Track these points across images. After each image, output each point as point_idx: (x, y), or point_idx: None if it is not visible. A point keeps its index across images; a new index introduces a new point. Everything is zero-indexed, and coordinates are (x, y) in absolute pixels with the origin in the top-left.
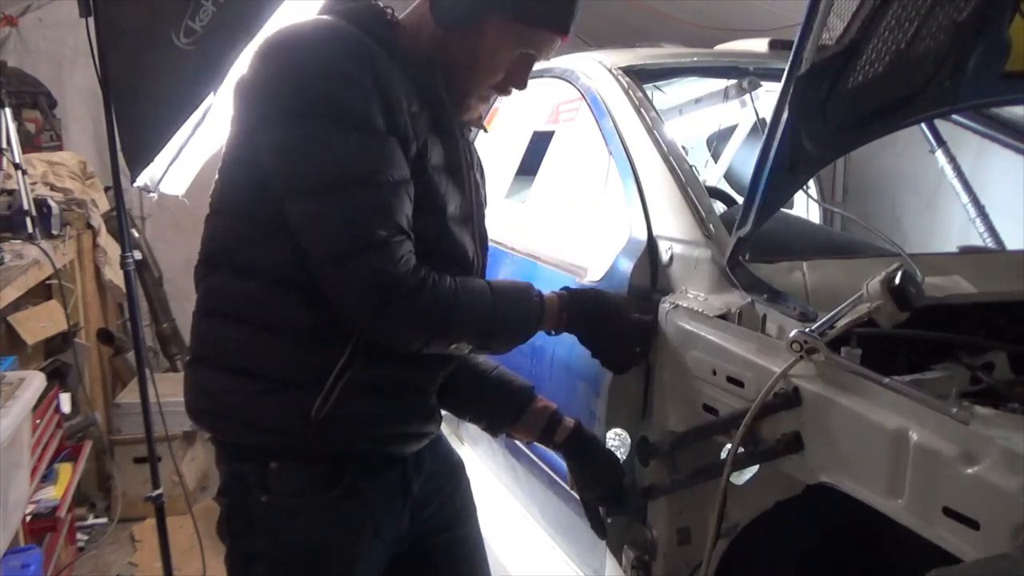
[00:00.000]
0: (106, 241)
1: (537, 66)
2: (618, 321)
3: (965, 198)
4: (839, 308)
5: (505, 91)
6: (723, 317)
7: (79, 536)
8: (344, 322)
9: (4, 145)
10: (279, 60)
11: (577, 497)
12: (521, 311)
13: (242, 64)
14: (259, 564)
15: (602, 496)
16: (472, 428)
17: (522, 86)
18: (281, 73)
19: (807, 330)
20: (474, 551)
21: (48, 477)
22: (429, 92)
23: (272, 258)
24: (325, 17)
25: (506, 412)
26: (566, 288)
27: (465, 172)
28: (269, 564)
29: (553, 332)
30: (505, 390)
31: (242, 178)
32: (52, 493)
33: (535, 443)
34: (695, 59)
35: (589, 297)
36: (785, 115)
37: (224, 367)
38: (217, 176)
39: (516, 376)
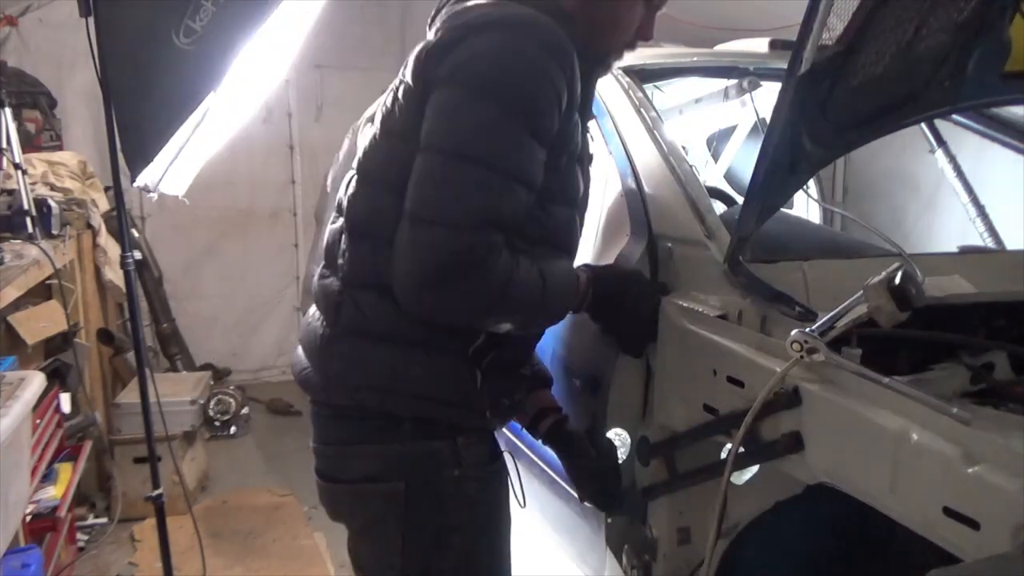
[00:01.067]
0: (106, 241)
1: None
2: (639, 303)
3: (965, 198)
4: (839, 308)
5: (633, 46)
6: (723, 317)
7: (79, 536)
8: None
9: (4, 145)
10: (491, 37)
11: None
12: (567, 291)
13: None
14: (455, 536)
15: (595, 496)
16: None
17: (649, 36)
18: (485, 44)
19: (807, 330)
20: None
21: (48, 477)
22: (585, 79)
23: None
24: (519, 7)
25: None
26: (587, 266)
27: (587, 156)
28: (466, 534)
29: (575, 311)
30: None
31: (398, 150)
32: (52, 493)
33: (534, 440)
34: (695, 59)
35: (611, 278)
36: (785, 115)
37: (393, 339)
38: (371, 141)
39: (536, 362)
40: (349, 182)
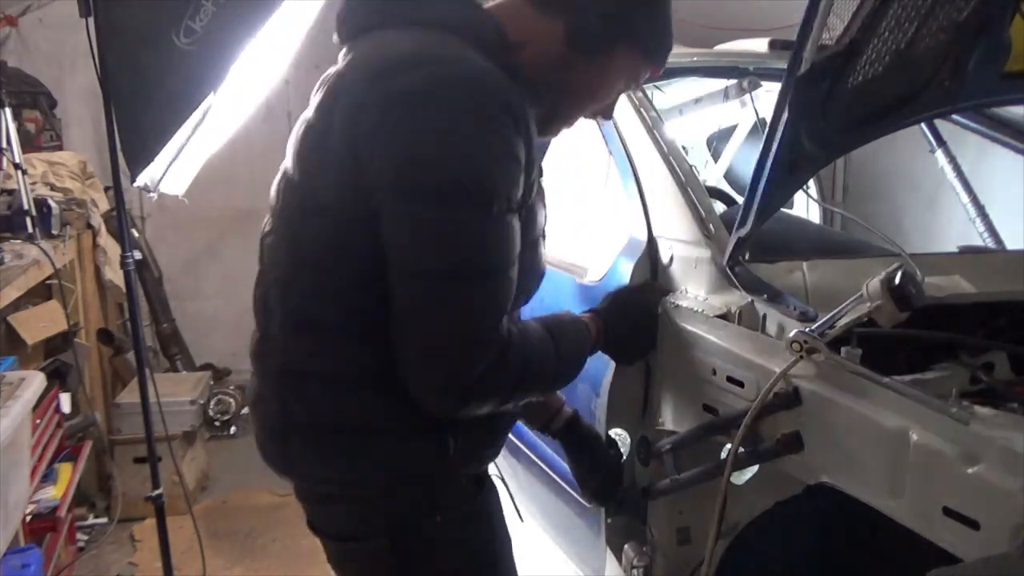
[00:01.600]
0: (106, 241)
1: None
2: (646, 333)
3: (965, 198)
4: (839, 308)
5: (592, 118)
6: (723, 317)
7: (79, 536)
8: None
9: (4, 145)
10: (428, 116)
11: (578, 496)
12: (578, 348)
13: (353, 82)
14: None
15: (599, 491)
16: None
17: (609, 117)
18: (425, 132)
19: (807, 330)
20: None
21: (48, 477)
22: (542, 110)
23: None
24: (458, 48)
25: None
26: (593, 310)
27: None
28: (463, 575)
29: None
30: None
31: (335, 229)
32: (52, 493)
33: (534, 440)
34: (695, 59)
35: (621, 318)
36: (785, 115)
37: (346, 429)
38: (295, 202)
39: None
40: (272, 245)
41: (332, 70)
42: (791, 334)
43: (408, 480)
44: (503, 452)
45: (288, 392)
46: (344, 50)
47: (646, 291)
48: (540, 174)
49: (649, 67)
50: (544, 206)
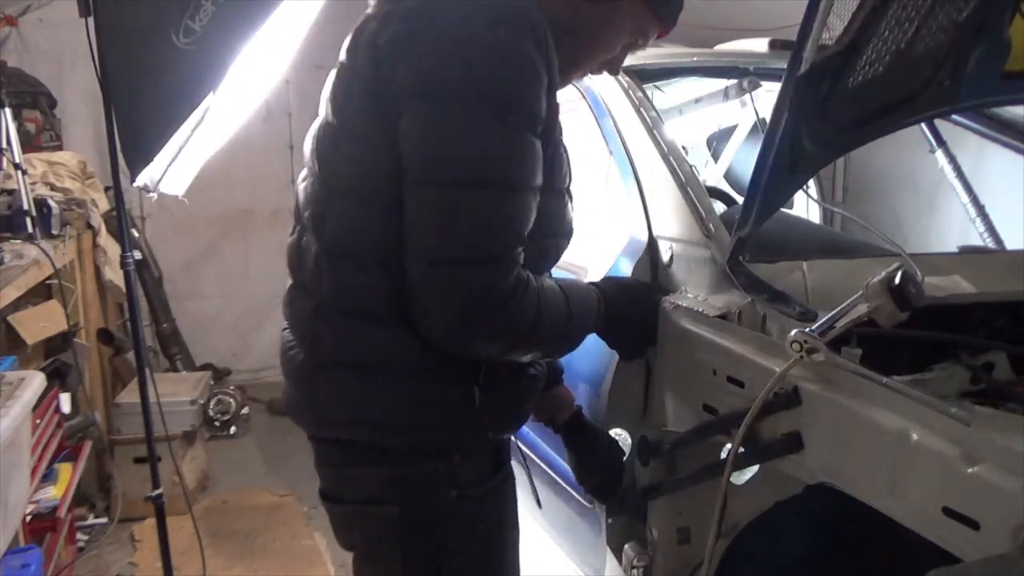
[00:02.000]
0: (106, 241)
1: None
2: (645, 316)
3: (965, 198)
4: (839, 308)
5: (599, 72)
6: (723, 317)
7: (79, 536)
8: None
9: (4, 145)
10: (452, 28)
11: (578, 496)
12: (589, 313)
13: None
14: (457, 559)
15: (599, 488)
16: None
17: (616, 72)
18: (447, 38)
19: (807, 330)
20: None
21: (48, 477)
22: (562, 54)
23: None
24: None
25: None
26: (595, 284)
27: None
28: (468, 557)
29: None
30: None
31: (365, 157)
32: (52, 493)
33: (534, 440)
34: (695, 59)
35: (618, 294)
36: (785, 115)
37: (380, 369)
38: (327, 140)
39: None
40: (308, 188)
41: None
42: (791, 334)
43: (434, 436)
44: None
45: (319, 330)
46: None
47: (651, 289)
48: (561, 132)
49: (657, 23)
50: (568, 162)
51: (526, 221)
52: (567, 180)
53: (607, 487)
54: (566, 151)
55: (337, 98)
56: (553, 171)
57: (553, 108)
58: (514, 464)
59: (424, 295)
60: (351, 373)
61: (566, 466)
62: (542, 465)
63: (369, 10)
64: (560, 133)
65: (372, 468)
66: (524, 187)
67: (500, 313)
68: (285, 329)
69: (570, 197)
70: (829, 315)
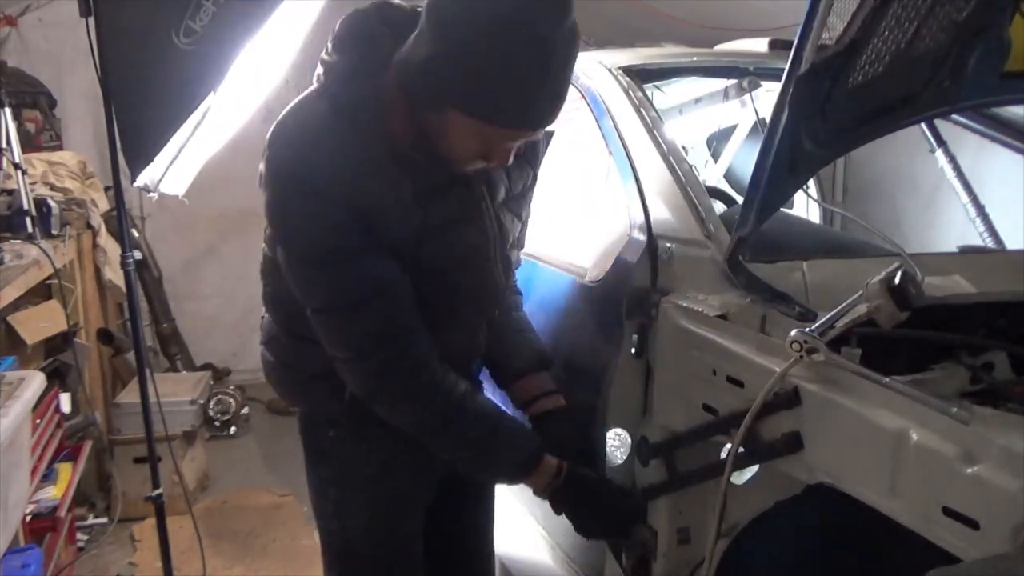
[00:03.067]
0: (106, 241)
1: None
2: (603, 512)
3: (965, 198)
4: (839, 308)
5: (491, 163)
6: (723, 317)
7: (79, 536)
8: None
9: (4, 145)
10: (272, 189)
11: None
12: (517, 454)
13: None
14: (333, 488)
15: (602, 534)
16: None
17: (505, 163)
18: (275, 207)
19: (807, 330)
20: (490, 498)
21: (48, 477)
22: (421, 166)
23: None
24: (320, 115)
25: (506, 369)
26: (570, 467)
27: (485, 209)
28: (340, 488)
29: (540, 494)
30: (516, 350)
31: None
32: (52, 493)
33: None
34: (695, 59)
35: (585, 484)
36: (785, 115)
37: (279, 362)
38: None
39: (534, 343)
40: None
41: None
42: (791, 334)
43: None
44: None
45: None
46: None
47: (624, 493)
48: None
49: (496, 128)
50: (488, 224)
51: (384, 316)
52: (465, 252)
53: (611, 533)
54: (476, 224)
55: None
56: (438, 252)
57: (410, 212)
58: None
59: (350, 378)
60: (274, 366)
61: None
62: None
63: None
64: (436, 224)
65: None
66: (361, 300)
67: (407, 397)
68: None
69: (491, 265)
70: (829, 315)
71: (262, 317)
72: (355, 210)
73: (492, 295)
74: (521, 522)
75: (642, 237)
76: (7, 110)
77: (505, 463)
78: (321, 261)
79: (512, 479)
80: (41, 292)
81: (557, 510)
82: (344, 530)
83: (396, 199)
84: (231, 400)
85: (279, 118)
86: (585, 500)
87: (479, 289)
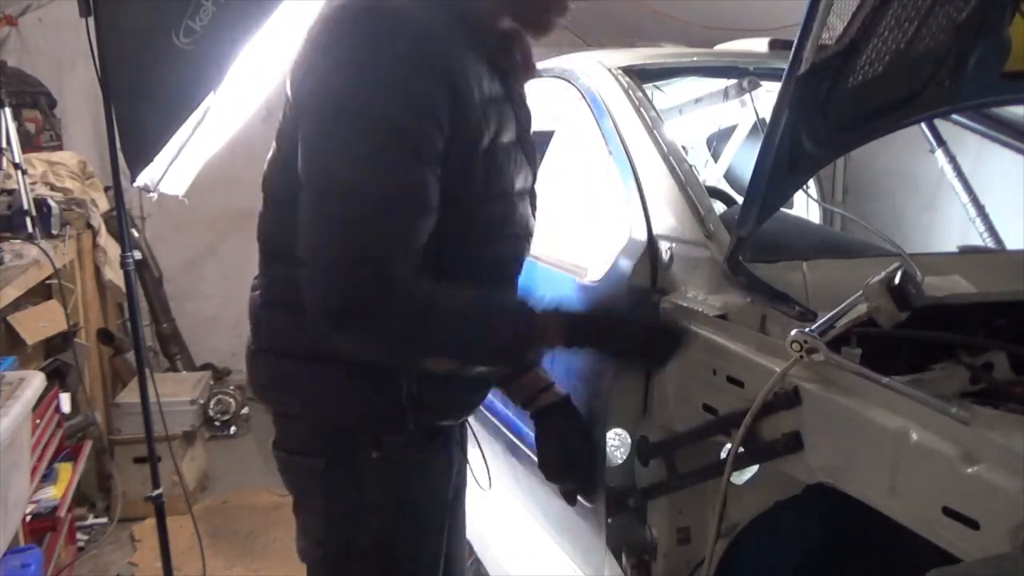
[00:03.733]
0: (106, 241)
1: (537, 66)
2: (567, 458)
3: (965, 198)
4: (839, 308)
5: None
6: (723, 317)
7: (79, 536)
8: None
9: (4, 145)
10: (340, 47)
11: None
12: (517, 327)
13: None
14: (373, 518)
15: (555, 476)
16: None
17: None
18: (339, 63)
19: (807, 330)
20: (463, 527)
21: (48, 477)
22: (504, 61)
23: None
24: None
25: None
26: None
27: (530, 137)
28: (382, 517)
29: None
30: None
31: (286, 165)
32: (52, 493)
33: (528, 436)
34: (695, 59)
35: (572, 420)
36: (785, 115)
37: (306, 358)
38: (272, 152)
39: None
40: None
41: None
42: (791, 334)
43: (359, 425)
44: (503, 452)
45: (259, 319)
46: None
47: (627, 330)
48: (527, 128)
49: None
50: (527, 166)
51: (385, 237)
52: (517, 183)
53: (558, 467)
54: (525, 152)
55: (282, 120)
56: (491, 177)
57: (476, 117)
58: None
59: (306, 293)
60: (280, 359)
61: None
62: None
63: None
64: (511, 137)
65: (301, 421)
66: (382, 202)
67: (368, 315)
68: None
69: (525, 197)
70: (829, 315)
71: (256, 317)
72: (444, 81)
73: (525, 237)
74: (521, 522)
75: (642, 237)
76: (7, 110)
77: (503, 334)
78: (364, 127)
79: (515, 354)
80: (41, 292)
81: (538, 433)
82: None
83: (481, 93)
84: (231, 400)
85: None
86: (562, 435)
87: (516, 228)
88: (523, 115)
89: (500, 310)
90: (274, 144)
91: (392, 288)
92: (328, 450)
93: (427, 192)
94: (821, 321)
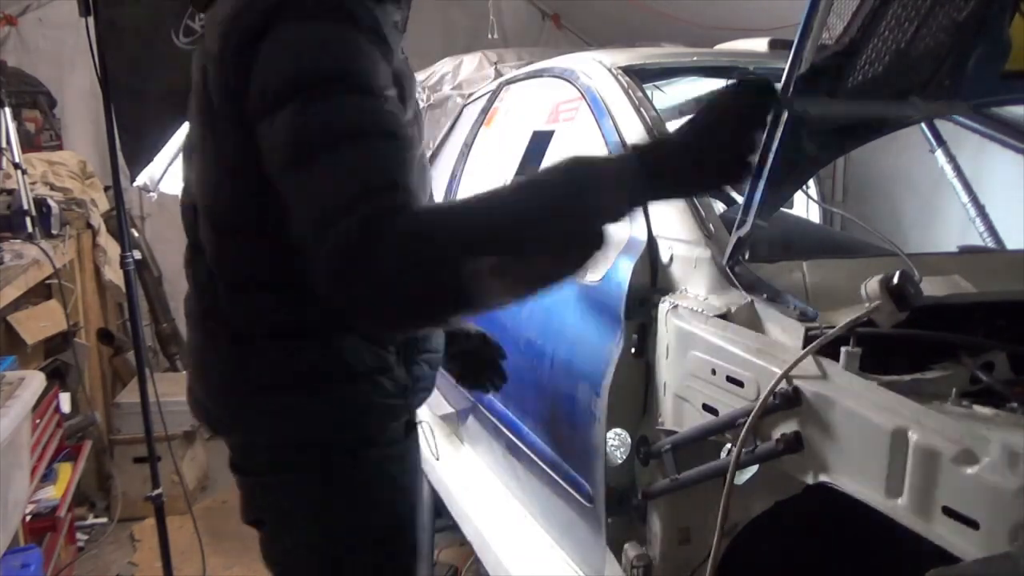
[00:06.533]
0: (106, 241)
1: (537, 65)
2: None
3: (965, 198)
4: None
5: None
6: (723, 317)
7: (79, 536)
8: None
9: (4, 145)
10: (290, 29)
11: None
12: (583, 184)
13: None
14: (379, 516)
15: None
16: (472, 428)
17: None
18: (294, 46)
19: (807, 330)
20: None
21: (48, 477)
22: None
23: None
24: None
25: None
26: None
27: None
28: (390, 509)
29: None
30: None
31: (244, 188)
32: (52, 493)
33: (534, 440)
34: (695, 59)
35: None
36: (785, 115)
37: (301, 385)
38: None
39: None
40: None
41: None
42: (792, 334)
43: (348, 424)
44: (503, 451)
45: (239, 357)
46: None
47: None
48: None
49: None
50: (421, 125)
51: (372, 169)
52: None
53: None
54: (416, 122)
55: (191, 147)
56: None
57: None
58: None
59: (314, 264)
60: (284, 393)
61: (567, 465)
62: (541, 464)
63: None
64: (408, 94)
65: (282, 435)
66: (370, 133)
67: (389, 244)
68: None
69: (428, 178)
70: (842, 324)
71: (231, 357)
72: (372, 31)
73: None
74: (521, 522)
75: (642, 237)
76: (7, 110)
77: (550, 186)
78: (349, 85)
79: (576, 200)
80: (41, 292)
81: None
82: None
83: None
84: None
85: None
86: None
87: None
88: (413, 83)
89: (527, 179)
90: (204, 170)
91: (403, 205)
92: (325, 462)
93: (394, 123)
94: (835, 329)
